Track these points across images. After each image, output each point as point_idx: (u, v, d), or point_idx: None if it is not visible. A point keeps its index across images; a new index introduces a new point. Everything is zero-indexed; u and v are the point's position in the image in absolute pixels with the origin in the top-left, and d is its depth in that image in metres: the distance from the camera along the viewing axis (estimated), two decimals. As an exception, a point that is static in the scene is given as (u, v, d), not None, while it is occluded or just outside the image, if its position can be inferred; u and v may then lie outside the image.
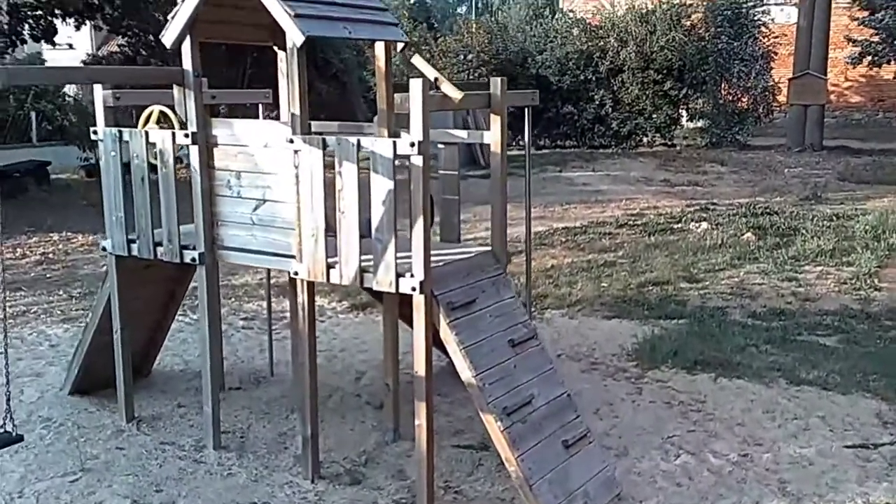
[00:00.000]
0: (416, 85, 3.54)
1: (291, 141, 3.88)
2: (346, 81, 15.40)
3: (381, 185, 3.67)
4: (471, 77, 20.28)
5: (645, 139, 20.80)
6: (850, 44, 21.02)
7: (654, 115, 20.25)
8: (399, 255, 3.72)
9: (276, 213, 4.11)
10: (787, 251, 9.46)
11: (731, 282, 8.32)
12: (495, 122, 4.06)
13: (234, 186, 4.22)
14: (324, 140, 3.80)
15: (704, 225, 10.92)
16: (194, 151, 4.22)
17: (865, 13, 20.41)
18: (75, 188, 14.95)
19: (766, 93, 20.08)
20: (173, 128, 4.29)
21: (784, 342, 6.41)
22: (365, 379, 5.75)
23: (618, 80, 20.34)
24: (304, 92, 3.89)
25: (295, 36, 3.72)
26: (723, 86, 20.31)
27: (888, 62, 20.11)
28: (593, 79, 20.47)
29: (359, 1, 4.18)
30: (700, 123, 21.29)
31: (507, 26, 22.70)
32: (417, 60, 3.86)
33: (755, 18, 20.38)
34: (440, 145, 4.35)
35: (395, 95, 3.69)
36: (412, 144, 3.56)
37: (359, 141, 3.71)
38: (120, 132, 4.40)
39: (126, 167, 4.44)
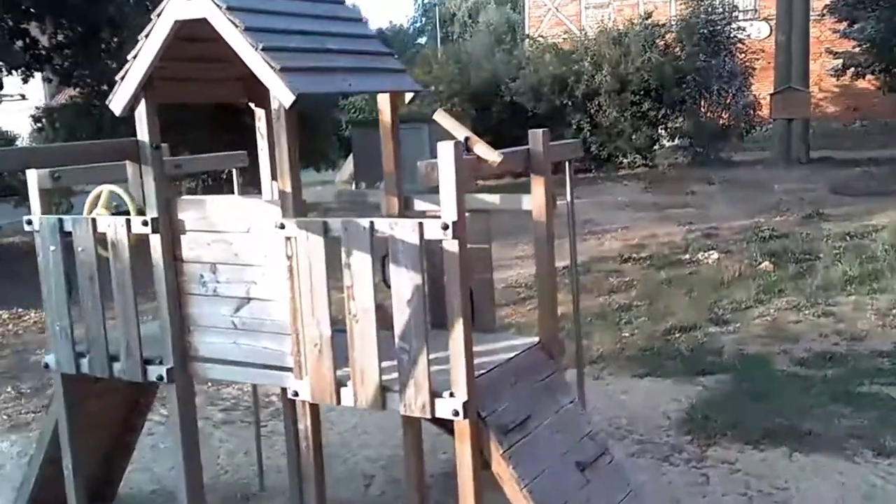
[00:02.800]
0: (445, 150, 2.70)
1: (282, 226, 3.01)
2: (316, 121, 14.53)
3: (405, 281, 2.82)
4: (443, 108, 19.54)
5: (625, 161, 20.19)
6: (832, 56, 20.64)
7: (634, 137, 19.66)
8: (433, 367, 2.87)
9: (265, 315, 3.24)
10: (812, 280, 8.72)
11: (764, 322, 7.54)
12: (538, 184, 3.23)
13: (208, 282, 3.34)
14: (326, 224, 2.94)
15: (715, 255, 10.17)
16: (155, 241, 3.34)
17: (844, 24, 20.04)
18: (28, 253, 13.88)
19: (748, 109, 19.59)
20: (128, 212, 3.41)
21: (849, 397, 5.62)
22: (375, 486, 4.84)
23: (594, 104, 19.75)
24: (294, 161, 3.03)
25: (282, 95, 2.88)
26: (702, 104, 19.78)
27: (872, 73, 19.71)
28: (569, 103, 19.87)
29: (359, 45, 3.35)
30: (680, 142, 20.74)
31: (473, 55, 22.12)
32: (443, 117, 3.02)
33: (731, 35, 19.92)
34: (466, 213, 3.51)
35: (421, 164, 2.84)
36: (445, 227, 2.72)
37: (372, 224, 2.85)
38: (60, 221, 3.49)
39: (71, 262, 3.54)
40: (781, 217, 13.04)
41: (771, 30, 24.75)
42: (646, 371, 6.46)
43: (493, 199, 3.42)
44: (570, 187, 3.51)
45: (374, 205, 3.65)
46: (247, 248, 3.23)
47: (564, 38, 21.53)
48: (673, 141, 20.85)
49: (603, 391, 6.15)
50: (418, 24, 61.36)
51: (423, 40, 53.58)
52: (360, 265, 2.89)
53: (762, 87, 21.07)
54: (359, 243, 2.87)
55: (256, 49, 2.90)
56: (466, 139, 2.93)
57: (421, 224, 2.77)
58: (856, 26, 19.29)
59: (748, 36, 21.11)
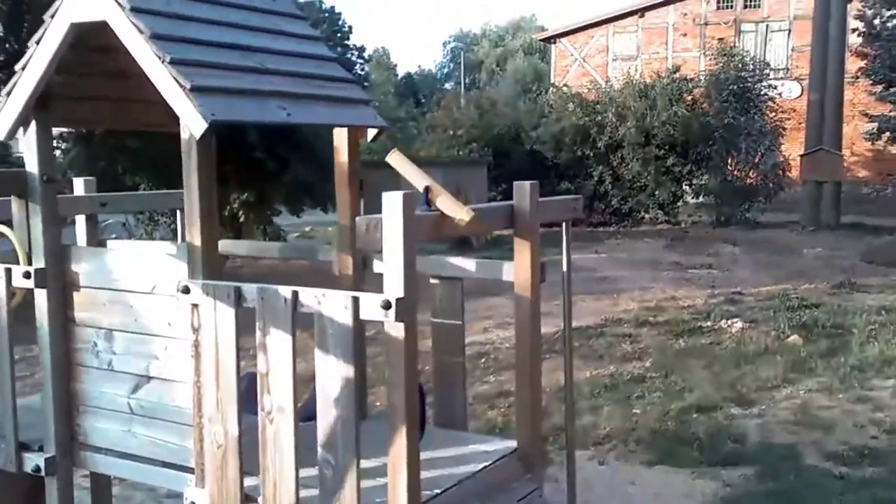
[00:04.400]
0: (392, 201, 2.02)
1: (187, 290, 2.33)
2: (325, 161, 13.98)
3: (333, 372, 2.12)
4: (461, 153, 19.03)
5: (647, 216, 19.51)
6: (867, 119, 19.95)
7: (657, 192, 19.02)
8: (363, 487, 2.16)
9: (167, 399, 2.54)
10: (846, 359, 7.91)
11: (792, 405, 6.73)
12: (522, 251, 2.53)
13: (103, 353, 2.66)
14: (238, 291, 2.25)
15: (738, 323, 9.38)
16: (41, 298, 2.66)
17: (880, 87, 19.38)
18: None
19: (776, 169, 18.89)
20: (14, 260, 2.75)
21: (893, 508, 4.81)
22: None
23: (617, 156, 19.15)
24: (208, 206, 2.36)
25: (191, 121, 2.23)
26: (729, 161, 19.12)
27: (908, 138, 19.01)
28: (591, 154, 19.28)
29: (307, 67, 2.69)
30: (704, 200, 20.05)
31: (497, 102, 21.67)
32: (398, 160, 2.33)
33: (762, 93, 19.30)
34: (433, 280, 2.81)
35: (360, 220, 2.15)
36: (387, 305, 2.02)
37: (295, 294, 2.16)
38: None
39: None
40: (810, 285, 12.25)
41: (802, 90, 24.14)
42: (658, 458, 5.67)
43: (467, 264, 2.72)
44: (566, 252, 2.81)
45: (327, 264, 2.97)
46: (149, 313, 2.55)
47: (589, 89, 20.97)
48: (697, 198, 20.16)
49: (608, 481, 5.37)
50: (446, 70, 61.47)
51: (449, 85, 53.51)
52: (278, 347, 2.20)
53: (791, 148, 20.40)
54: (277, 319, 2.19)
55: (163, 61, 2.25)
56: (427, 189, 2.24)
57: (356, 300, 2.07)
58: (892, 90, 18.62)
59: (779, 94, 20.50)
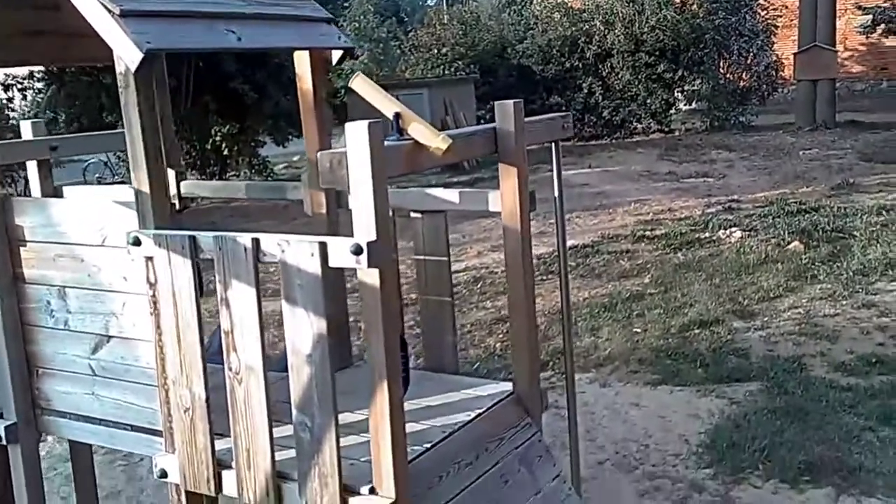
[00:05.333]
0: (357, 133, 1.77)
1: (137, 242, 2.09)
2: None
3: (303, 327, 1.90)
4: (446, 72, 18.52)
5: (640, 126, 19.13)
6: (861, 11, 19.37)
7: (649, 101, 18.57)
8: (345, 445, 1.97)
9: (130, 359, 2.34)
10: (849, 263, 7.73)
11: (796, 315, 6.57)
12: (508, 178, 2.28)
13: (57, 312, 2.44)
14: (193, 240, 2.02)
15: (737, 233, 9.18)
16: (-15, 257, 2.43)
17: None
18: None
19: (769, 69, 18.43)
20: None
21: (905, 418, 4.69)
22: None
23: (606, 66, 18.64)
24: (153, 148, 2.11)
25: (125, 52, 1.96)
26: (721, 64, 18.64)
27: (903, 29, 18.49)
28: (580, 66, 18.76)
29: (257, -19, 2.40)
30: (697, 106, 19.64)
31: (480, 16, 21.00)
32: (363, 85, 2.05)
33: (752, -9, 18.72)
34: (413, 213, 2.58)
35: (322, 155, 1.89)
36: (358, 250, 1.79)
37: (257, 242, 1.93)
38: None
39: None
40: (809, 188, 12.02)
41: (794, -15, 23.44)
42: (660, 377, 5.54)
43: (451, 195, 2.48)
44: (557, 176, 2.57)
45: (298, 201, 2.72)
46: (103, 268, 2.33)
47: (575, -3, 20.31)
48: (690, 104, 19.74)
49: (610, 403, 5.25)
50: (428, -14, 59.73)
51: (432, 1, 52.05)
52: (241, 301, 1.98)
53: (784, 47, 19.87)
54: (239, 270, 1.96)
55: (87, -17, 1.97)
56: (397, 116, 1.98)
57: (323, 246, 1.84)
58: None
59: (770, -10, 19.84)
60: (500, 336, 6.52)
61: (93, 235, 2.31)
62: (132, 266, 2.22)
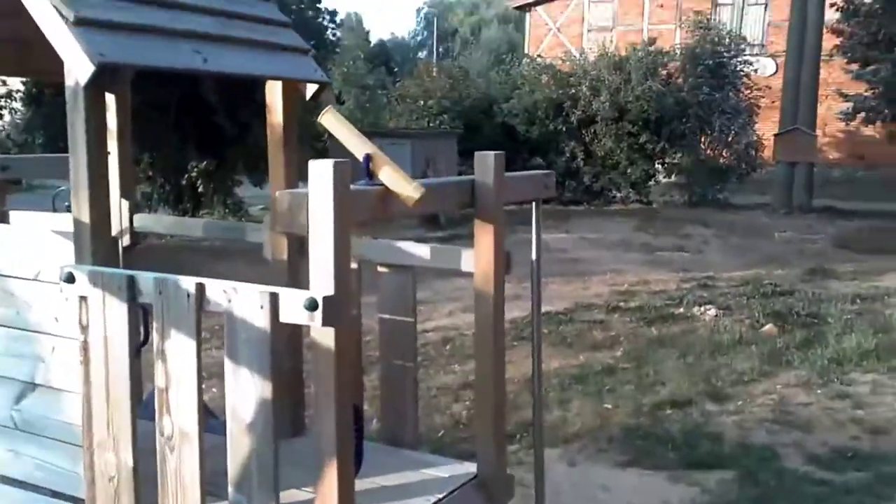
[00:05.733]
0: (320, 172, 1.57)
1: (71, 278, 1.86)
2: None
3: (247, 389, 1.67)
4: (431, 124, 18.52)
5: (619, 195, 19.18)
6: (842, 98, 19.70)
7: (629, 170, 18.67)
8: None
9: (55, 413, 2.09)
10: (823, 351, 7.58)
11: (769, 400, 6.38)
12: (484, 236, 2.09)
13: (-21, 352, 2.19)
14: (131, 281, 1.79)
15: (712, 310, 9.03)
16: None
17: (855, 65, 19.13)
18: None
19: (749, 149, 18.62)
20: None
21: (881, 517, 4.48)
22: None
23: (590, 132, 18.75)
24: (99, 174, 1.89)
25: (76, 63, 1.76)
26: (702, 140, 18.81)
27: (884, 119, 18.77)
28: (564, 129, 18.85)
29: (233, 5, 2.21)
30: (677, 179, 19.76)
31: (469, 72, 21.14)
32: (333, 121, 1.85)
33: (737, 69, 18.97)
34: (381, 268, 2.37)
35: (281, 195, 1.68)
36: (313, 305, 1.58)
37: (201, 288, 1.71)
38: None
39: None
40: (783, 270, 11.97)
41: (777, 67, 23.88)
42: (630, 458, 5.28)
43: (421, 250, 2.28)
44: (536, 236, 2.38)
45: (259, 245, 2.51)
46: (33, 305, 2.09)
47: (564, 61, 20.49)
48: (669, 177, 19.85)
49: (579, 485, 4.98)
50: (420, 38, 60.52)
51: (423, 54, 52.65)
52: (179, 355, 1.75)
53: (764, 128, 20.11)
54: (179, 318, 1.73)
55: (39, -12, 1.77)
56: (368, 158, 1.79)
57: (274, 297, 1.62)
58: (869, 68, 18.35)
59: (755, 71, 20.14)
60: (467, 403, 6.26)
61: (26, 267, 2.08)
62: (65, 306, 1.99)
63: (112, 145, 2.67)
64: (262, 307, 1.61)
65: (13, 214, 2.96)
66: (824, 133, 24.05)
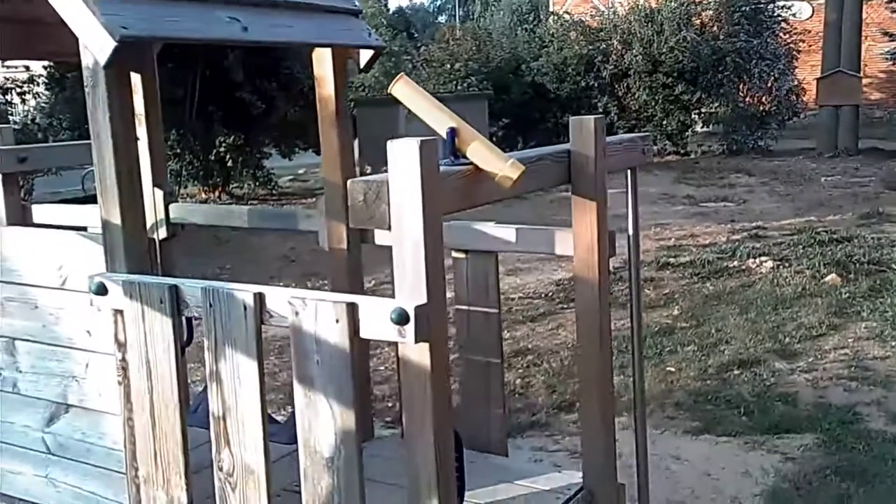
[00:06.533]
0: (404, 154, 1.26)
1: (103, 289, 1.58)
2: (315, 100, 13.00)
3: (322, 418, 1.38)
4: (459, 87, 18.10)
5: (655, 148, 18.67)
6: (888, 38, 18.95)
7: (665, 122, 18.13)
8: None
9: (93, 436, 1.83)
10: (893, 300, 7.19)
11: (842, 356, 6.02)
12: (584, 215, 1.78)
13: (5, 371, 1.93)
14: (175, 292, 1.50)
15: (768, 262, 8.64)
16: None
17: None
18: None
19: (791, 94, 17.99)
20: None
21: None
22: None
23: (623, 86, 18.21)
24: (130, 167, 1.60)
25: (92, 39, 1.45)
26: (741, 88, 18.20)
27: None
28: (595, 85, 18.34)
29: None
30: (714, 129, 19.19)
31: (492, 32, 20.63)
32: (407, 90, 1.53)
33: (775, 14, 18.28)
34: (456, 254, 2.06)
35: (352, 183, 1.38)
36: (402, 318, 1.28)
37: (260, 298, 1.42)
38: None
39: None
40: (835, 216, 11.52)
41: (813, 10, 23.08)
42: (701, 425, 4.98)
43: (504, 233, 1.97)
44: (633, 210, 2.06)
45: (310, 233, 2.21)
46: (61, 317, 1.81)
47: (592, 16, 19.88)
48: (706, 127, 19.28)
49: (649, 457, 4.70)
50: (439, 2, 59.59)
51: (442, 18, 51.84)
52: (237, 377, 1.46)
53: (803, 72, 19.46)
54: (235, 334, 1.44)
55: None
56: (453, 132, 1.47)
57: (352, 308, 1.32)
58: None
59: (793, 15, 19.44)
60: (520, 371, 6.00)
61: (50, 275, 1.81)
62: (99, 317, 1.71)
63: (141, 132, 2.37)
64: (337, 321, 1.32)
65: (36, 209, 2.70)
66: (865, 74, 23.27)
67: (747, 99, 18.20)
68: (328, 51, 2.01)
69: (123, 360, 1.60)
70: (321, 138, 2.10)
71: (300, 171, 17.99)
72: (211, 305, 1.44)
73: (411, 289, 1.29)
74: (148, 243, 1.66)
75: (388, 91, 1.52)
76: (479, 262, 2.00)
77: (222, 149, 13.42)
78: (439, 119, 1.49)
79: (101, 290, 1.57)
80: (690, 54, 17.47)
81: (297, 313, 1.36)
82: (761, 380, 5.61)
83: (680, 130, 18.30)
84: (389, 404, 4.96)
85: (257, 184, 14.37)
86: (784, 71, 17.76)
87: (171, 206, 2.39)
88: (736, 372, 5.76)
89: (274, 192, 14.76)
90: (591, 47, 18.29)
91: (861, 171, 15.73)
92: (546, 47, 19.01)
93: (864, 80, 23.48)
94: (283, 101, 13.11)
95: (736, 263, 8.82)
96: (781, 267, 8.44)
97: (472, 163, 1.49)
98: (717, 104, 18.29)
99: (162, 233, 2.35)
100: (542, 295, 7.77)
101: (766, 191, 14.20)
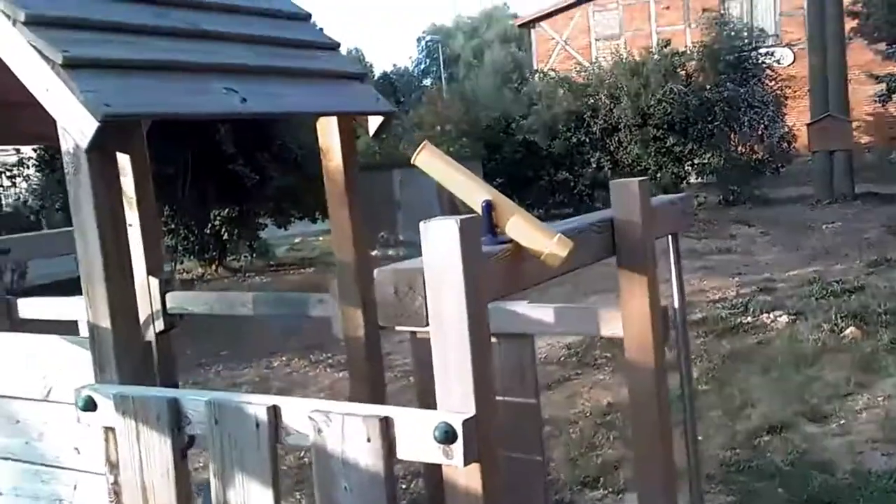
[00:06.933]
0: (440, 235, 1.06)
1: (91, 404, 1.36)
2: (308, 168, 12.85)
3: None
4: (452, 149, 18.08)
5: (651, 202, 18.61)
6: (874, 80, 19.08)
7: (659, 175, 18.10)
8: None
9: (88, 573, 1.58)
10: (918, 352, 6.95)
11: (875, 416, 5.73)
12: (633, 287, 1.57)
13: (-17, 500, 1.69)
14: (174, 406, 1.28)
15: (783, 317, 8.41)
16: None
17: (879, 45, 18.55)
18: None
19: (783, 141, 18.03)
20: None
21: None
22: None
23: (614, 140, 18.27)
24: (120, 259, 1.39)
25: (70, 120, 1.26)
26: (732, 137, 18.25)
27: (919, 98, 18.14)
28: (587, 140, 18.39)
29: (271, 28, 1.72)
30: (708, 179, 19.18)
31: (478, 94, 20.81)
32: (432, 160, 1.34)
33: (759, 61, 18.44)
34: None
35: (380, 273, 1.19)
36: (447, 436, 1.06)
37: (275, 412, 1.19)
38: None
39: None
40: (842, 265, 11.33)
41: (794, 56, 23.37)
42: (738, 500, 4.68)
43: (541, 313, 1.76)
44: (678, 279, 1.85)
45: (324, 319, 2.00)
46: (46, 433, 1.58)
47: (578, 72, 20.04)
48: (700, 178, 19.27)
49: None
50: (423, 66, 60.38)
51: (427, 81, 52.45)
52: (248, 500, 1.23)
53: (792, 118, 19.54)
54: (245, 456, 1.22)
55: (13, 20, 1.28)
56: (489, 206, 1.27)
57: (387, 424, 1.10)
58: (898, 45, 17.75)
59: (777, 62, 19.61)
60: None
61: (33, 386, 1.58)
62: (89, 432, 1.49)
63: (132, 216, 2.18)
64: (369, 439, 1.10)
65: (22, 304, 2.48)
66: (852, 117, 23.42)
67: (739, 148, 18.23)
68: (334, 120, 1.82)
69: (116, 483, 1.37)
70: (330, 214, 1.91)
71: (296, 241, 17.83)
72: (217, 422, 1.22)
73: (457, 397, 1.08)
74: (143, 347, 1.44)
75: (413, 161, 1.33)
76: (514, 346, 1.78)
77: (217, 222, 13.27)
78: (472, 190, 1.29)
79: (90, 406, 1.35)
80: (679, 105, 17.55)
81: (319, 430, 1.14)
82: (793, 446, 5.31)
83: (674, 183, 18.25)
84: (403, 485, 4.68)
85: (254, 255, 14.20)
86: (773, 118, 17.80)
87: (169, 296, 2.18)
88: (766, 438, 5.46)
89: (272, 263, 14.58)
90: (579, 103, 18.39)
91: (861, 217, 15.63)
92: (535, 104, 19.11)
93: (853, 124, 23.67)
94: (275, 170, 13.00)
95: (750, 319, 8.59)
96: (798, 321, 8.21)
97: (511, 240, 1.29)
98: (709, 154, 18.29)
99: (159, 325, 2.14)
100: (554, 360, 7.50)
101: (768, 241, 14.05)
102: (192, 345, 7.03)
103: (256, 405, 1.19)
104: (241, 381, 7.20)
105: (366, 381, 1.77)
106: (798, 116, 19.62)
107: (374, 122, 1.87)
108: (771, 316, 8.47)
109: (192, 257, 13.65)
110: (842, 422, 5.65)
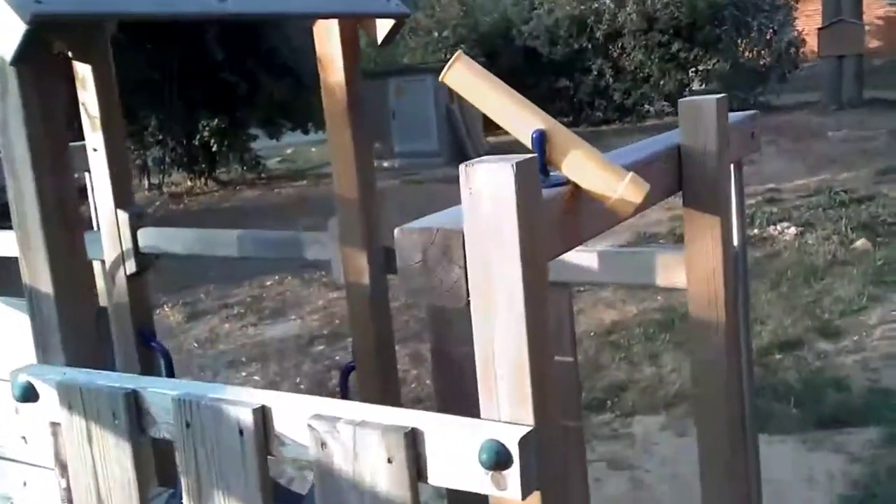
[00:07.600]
0: (488, 179, 0.74)
1: (31, 392, 1.07)
2: (301, 76, 12.30)
3: None
4: (448, 56, 17.46)
5: (652, 109, 18.15)
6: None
7: (662, 82, 17.60)
8: None
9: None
10: (932, 266, 6.73)
11: (890, 332, 5.55)
12: (702, 229, 1.26)
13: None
14: (134, 400, 0.99)
15: (791, 229, 8.15)
16: None
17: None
18: None
19: (791, 46, 17.46)
20: None
21: None
22: None
23: (617, 46, 17.67)
24: (63, 199, 1.07)
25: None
26: (739, 43, 17.66)
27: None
28: (589, 47, 17.78)
29: None
30: (713, 86, 18.64)
31: (479, -3, 20.02)
32: (465, 75, 1.02)
33: (772, -37, 17.72)
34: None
35: (403, 235, 0.89)
36: (498, 460, 0.77)
37: (262, 414, 0.90)
38: None
39: None
40: (850, 173, 11.03)
41: (808, -42, 22.43)
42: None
43: (586, 259, 1.45)
44: (738, 212, 1.54)
45: (320, 262, 1.69)
46: (-12, 416, 1.30)
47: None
48: (704, 85, 18.73)
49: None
50: (418, -32, 58.51)
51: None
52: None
53: (801, 23, 18.91)
54: (226, 473, 0.93)
55: None
56: (541, 136, 0.96)
57: (413, 438, 0.81)
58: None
59: (790, -38, 18.83)
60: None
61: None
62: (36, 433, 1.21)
63: (96, 139, 1.85)
64: (390, 461, 0.81)
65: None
66: (863, 21, 22.72)
67: (746, 54, 17.66)
68: (334, 24, 1.48)
69: (67, 487, 1.10)
70: (329, 137, 1.59)
71: (288, 151, 17.39)
72: (188, 425, 0.94)
73: (509, 404, 0.79)
74: (98, 317, 1.15)
75: (442, 78, 1.01)
76: (549, 297, 1.49)
77: (206, 133, 12.83)
78: (520, 116, 0.97)
79: (30, 395, 1.06)
80: (686, 9, 16.91)
81: (323, 444, 0.85)
82: (806, 364, 5.12)
83: (678, 90, 17.75)
84: None
85: (245, 168, 13.81)
86: (784, 22, 17.20)
87: (141, 232, 1.87)
88: (778, 356, 5.26)
89: (262, 175, 14.20)
90: (582, 7, 17.72)
91: (868, 124, 15.22)
92: (536, 9, 18.42)
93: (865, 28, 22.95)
94: (266, 78, 12.48)
95: (756, 231, 8.32)
96: (806, 233, 7.97)
97: (569, 181, 0.98)
98: (715, 61, 17.74)
99: (130, 267, 1.84)
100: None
101: (773, 149, 13.67)
102: (178, 265, 6.73)
103: (240, 406, 0.90)
104: (232, 302, 6.96)
105: (371, 339, 1.49)
106: (806, 21, 18.99)
107: (382, 27, 1.53)
108: (778, 228, 8.20)
109: (180, 170, 13.26)
110: (855, 338, 5.44)
